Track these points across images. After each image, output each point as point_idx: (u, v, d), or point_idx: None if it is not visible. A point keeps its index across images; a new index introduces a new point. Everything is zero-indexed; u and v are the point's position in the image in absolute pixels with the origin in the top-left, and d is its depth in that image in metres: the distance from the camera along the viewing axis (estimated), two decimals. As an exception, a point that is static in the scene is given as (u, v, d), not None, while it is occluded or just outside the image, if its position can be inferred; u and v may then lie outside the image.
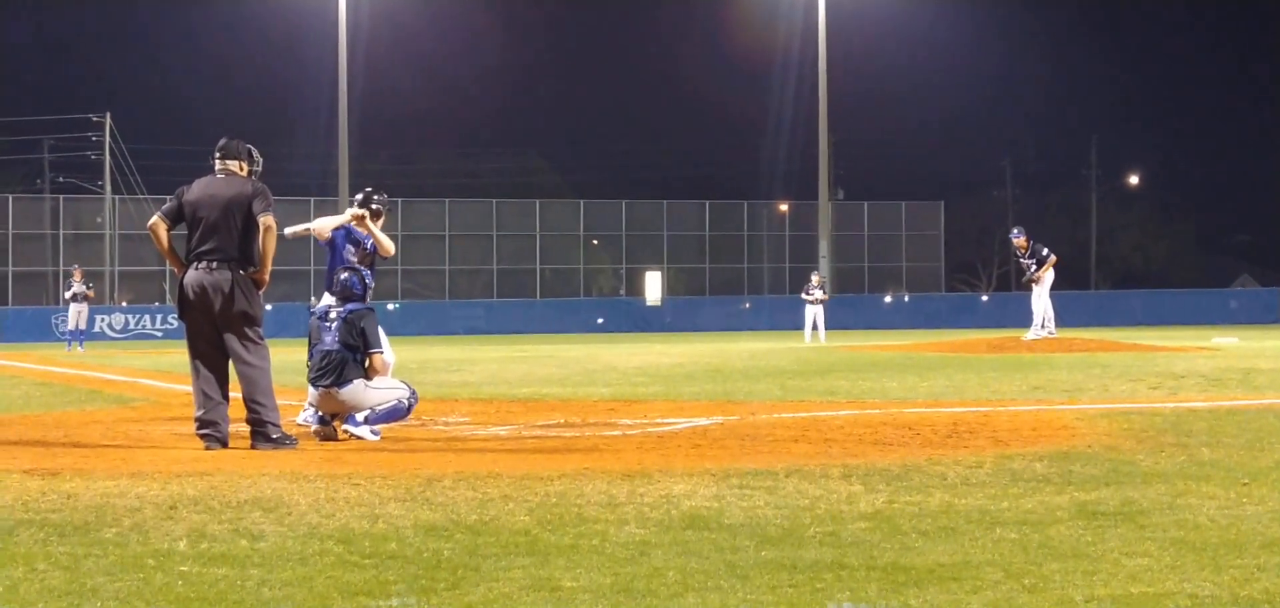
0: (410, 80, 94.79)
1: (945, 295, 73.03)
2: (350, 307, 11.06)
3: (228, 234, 10.13)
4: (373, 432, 10.73)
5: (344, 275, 11.25)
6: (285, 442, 10.16)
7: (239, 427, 10.30)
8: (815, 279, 39.20)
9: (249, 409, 10.19)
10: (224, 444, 10.08)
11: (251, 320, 10.19)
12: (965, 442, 10.13)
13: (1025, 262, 28.96)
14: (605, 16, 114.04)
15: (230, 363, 10.29)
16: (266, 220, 10.14)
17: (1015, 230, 29.80)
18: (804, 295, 38.86)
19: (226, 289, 10.10)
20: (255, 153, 10.58)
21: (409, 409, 11.05)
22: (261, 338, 10.30)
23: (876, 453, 9.44)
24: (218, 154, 10.42)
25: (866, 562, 5.66)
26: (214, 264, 10.14)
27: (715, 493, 7.49)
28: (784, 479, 8.00)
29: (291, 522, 6.68)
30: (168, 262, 10.73)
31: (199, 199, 10.25)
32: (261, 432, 10.14)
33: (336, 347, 10.92)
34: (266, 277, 10.22)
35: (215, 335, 10.22)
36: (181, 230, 10.40)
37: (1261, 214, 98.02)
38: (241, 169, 10.40)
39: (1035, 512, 6.83)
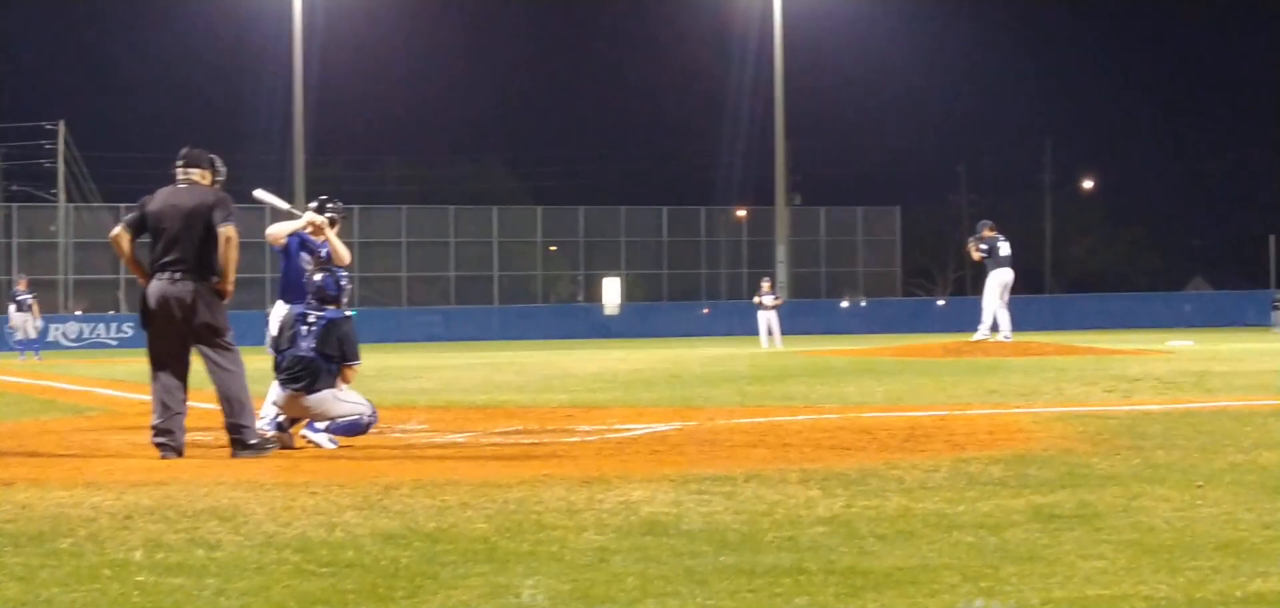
0: (366, 86, 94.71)
1: (902, 300, 73.25)
2: (330, 312, 10.91)
3: (190, 245, 10.04)
4: (331, 441, 10.67)
5: (319, 277, 11.04)
6: (264, 447, 10.14)
7: (195, 436, 10.24)
8: (766, 285, 39.30)
9: (226, 416, 10.12)
10: (180, 454, 10.02)
11: (217, 331, 10.12)
12: (922, 446, 10.17)
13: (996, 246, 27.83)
14: (563, 22, 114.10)
15: (189, 373, 10.22)
16: (226, 230, 10.05)
17: (981, 223, 28.79)
18: (756, 301, 38.99)
19: (189, 300, 10.03)
20: (218, 162, 10.48)
21: (368, 427, 10.90)
22: (233, 345, 10.21)
23: (834, 457, 9.47)
24: (180, 163, 10.32)
25: (824, 566, 5.68)
26: (177, 275, 10.06)
27: (674, 499, 7.49)
28: (742, 484, 8.01)
29: (248, 531, 6.65)
30: (132, 272, 10.62)
31: (161, 210, 10.17)
32: (239, 438, 10.08)
33: (313, 354, 10.77)
34: (230, 287, 10.12)
35: (178, 346, 10.15)
36: (146, 239, 10.31)
37: (1216, 218, 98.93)
38: (204, 178, 10.32)
39: (992, 515, 6.86)
